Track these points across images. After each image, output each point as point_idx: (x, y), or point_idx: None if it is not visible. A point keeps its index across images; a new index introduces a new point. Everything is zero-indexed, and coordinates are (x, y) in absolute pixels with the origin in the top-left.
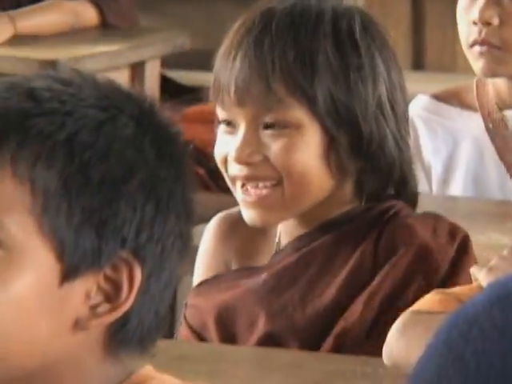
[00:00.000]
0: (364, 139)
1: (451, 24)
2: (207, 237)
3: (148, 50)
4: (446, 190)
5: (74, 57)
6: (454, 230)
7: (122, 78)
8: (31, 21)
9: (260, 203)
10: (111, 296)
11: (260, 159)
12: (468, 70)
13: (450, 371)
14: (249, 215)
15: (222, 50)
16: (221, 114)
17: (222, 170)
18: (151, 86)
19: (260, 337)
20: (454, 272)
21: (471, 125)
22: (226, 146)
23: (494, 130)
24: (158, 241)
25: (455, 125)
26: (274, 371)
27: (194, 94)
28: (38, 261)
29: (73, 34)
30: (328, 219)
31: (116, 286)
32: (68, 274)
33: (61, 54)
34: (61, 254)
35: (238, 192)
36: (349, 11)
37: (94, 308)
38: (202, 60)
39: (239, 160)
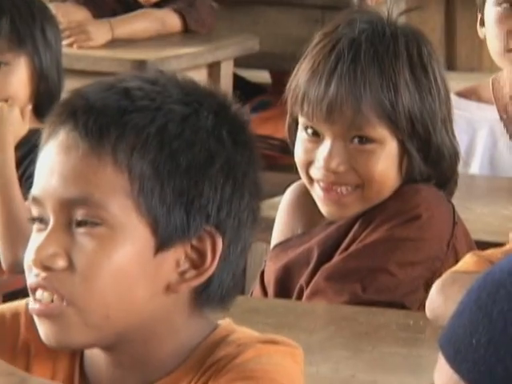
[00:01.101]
0: (432, 149)
1: (477, 31)
2: (281, 206)
3: (223, 52)
4: (466, 171)
5: (160, 58)
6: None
7: (200, 76)
8: (126, 27)
9: (340, 202)
10: (197, 263)
11: (346, 169)
12: (492, 69)
13: (480, 328)
14: (328, 211)
15: (311, 71)
16: (305, 123)
17: (302, 171)
18: (225, 82)
19: (300, 286)
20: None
21: (487, 116)
22: (310, 152)
23: (508, 119)
24: (236, 215)
25: (474, 116)
26: (330, 323)
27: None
28: (136, 235)
29: (160, 39)
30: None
31: (201, 255)
32: (161, 245)
33: (150, 55)
34: (155, 229)
35: (315, 190)
36: (414, 34)
37: (182, 274)
38: (268, 61)
39: (327, 169)
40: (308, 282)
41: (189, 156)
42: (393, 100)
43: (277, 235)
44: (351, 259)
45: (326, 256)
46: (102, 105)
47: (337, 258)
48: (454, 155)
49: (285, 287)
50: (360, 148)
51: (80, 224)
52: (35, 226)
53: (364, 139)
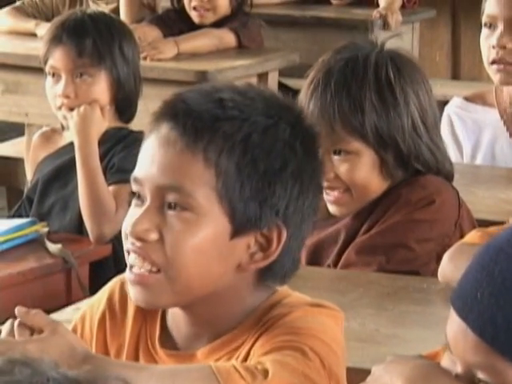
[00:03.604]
0: (404, 154)
1: (479, 47)
2: None
3: (270, 64)
4: (473, 163)
5: (218, 68)
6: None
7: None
8: (189, 44)
9: (337, 202)
10: (264, 247)
11: (333, 176)
12: (489, 79)
13: (484, 284)
14: (331, 209)
15: (301, 97)
16: None
17: None
18: (272, 89)
19: (332, 260)
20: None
21: (491, 117)
22: None
23: (508, 120)
24: (300, 212)
25: (479, 117)
26: (357, 286)
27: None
28: (217, 222)
29: (218, 53)
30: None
31: (268, 241)
32: (236, 232)
33: (209, 66)
34: (233, 218)
35: (324, 193)
36: (386, 58)
37: (252, 255)
38: (307, 71)
39: None
40: (335, 261)
41: (266, 162)
42: (360, 119)
43: None
44: (377, 236)
45: (350, 238)
46: (199, 110)
47: (364, 235)
48: (438, 152)
49: (315, 261)
50: (341, 159)
51: (171, 207)
52: (133, 201)
53: (343, 152)
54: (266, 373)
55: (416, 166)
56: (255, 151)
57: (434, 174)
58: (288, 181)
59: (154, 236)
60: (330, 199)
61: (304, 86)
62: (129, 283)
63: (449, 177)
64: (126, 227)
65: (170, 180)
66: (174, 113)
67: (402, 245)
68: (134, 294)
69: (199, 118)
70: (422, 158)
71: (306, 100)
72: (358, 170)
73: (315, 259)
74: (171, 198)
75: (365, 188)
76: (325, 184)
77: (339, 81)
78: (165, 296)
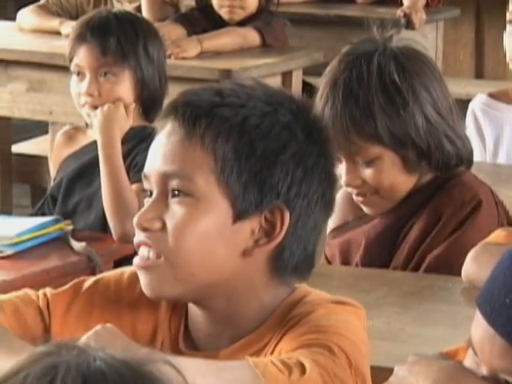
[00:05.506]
0: (424, 149)
1: (503, 45)
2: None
3: (294, 63)
4: (495, 160)
5: (242, 67)
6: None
7: (275, 82)
8: (213, 42)
9: (368, 203)
10: (268, 232)
11: (360, 182)
12: None
13: None
14: (365, 210)
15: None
16: None
17: None
18: (296, 88)
19: (359, 258)
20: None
21: None
22: (341, 170)
23: None
24: (305, 197)
25: (503, 114)
26: (383, 285)
27: None
28: (217, 206)
29: (242, 51)
30: (413, 190)
31: (272, 225)
32: (238, 216)
33: (233, 64)
34: (233, 202)
35: (355, 197)
36: (389, 59)
37: (256, 241)
38: None
39: (347, 185)
40: (362, 257)
41: (264, 144)
42: (372, 125)
43: (333, 220)
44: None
45: (380, 233)
46: (197, 100)
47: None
48: (457, 139)
49: (347, 259)
50: (366, 165)
51: (174, 195)
52: (146, 200)
53: (366, 159)
54: (302, 367)
55: (438, 156)
56: (252, 134)
57: (455, 162)
58: (289, 164)
59: (157, 225)
60: (361, 201)
61: (316, 101)
62: (137, 271)
63: (470, 161)
64: (134, 221)
65: (170, 166)
66: (174, 107)
67: None
68: (142, 282)
69: (198, 107)
70: (441, 148)
71: (320, 114)
72: (383, 172)
73: (347, 257)
74: (173, 184)
75: (393, 187)
76: (354, 190)
77: (346, 92)
78: (168, 283)
